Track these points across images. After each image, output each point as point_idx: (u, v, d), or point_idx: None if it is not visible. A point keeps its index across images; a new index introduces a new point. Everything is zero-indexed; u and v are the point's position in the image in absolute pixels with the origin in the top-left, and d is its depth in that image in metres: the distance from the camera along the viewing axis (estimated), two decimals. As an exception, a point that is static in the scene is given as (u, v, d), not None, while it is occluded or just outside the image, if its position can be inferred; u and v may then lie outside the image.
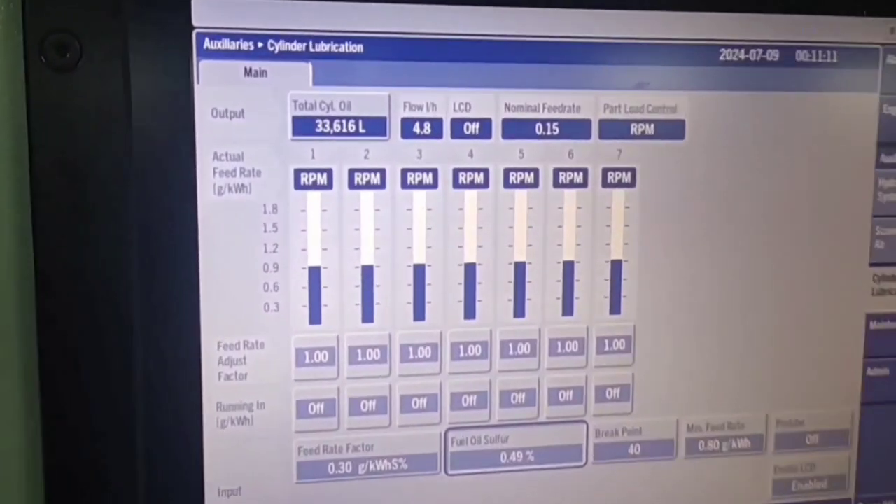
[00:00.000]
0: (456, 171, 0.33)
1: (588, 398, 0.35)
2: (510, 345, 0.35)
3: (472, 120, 0.33)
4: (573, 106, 0.34)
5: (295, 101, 0.32)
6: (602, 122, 0.34)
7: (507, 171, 0.34)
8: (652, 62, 0.34)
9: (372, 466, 0.34)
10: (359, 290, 0.33)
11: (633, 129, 0.34)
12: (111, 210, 0.31)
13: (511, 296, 0.34)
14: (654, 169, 0.35)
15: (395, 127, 0.32)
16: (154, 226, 0.31)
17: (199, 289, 0.32)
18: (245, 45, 0.31)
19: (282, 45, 0.31)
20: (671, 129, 0.35)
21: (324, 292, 0.33)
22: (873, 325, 0.37)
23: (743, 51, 0.35)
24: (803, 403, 0.37)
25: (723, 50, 0.35)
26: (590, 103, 0.34)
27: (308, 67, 0.32)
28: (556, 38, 0.33)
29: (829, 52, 0.35)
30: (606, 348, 0.35)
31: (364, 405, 0.34)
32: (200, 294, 0.32)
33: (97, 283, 0.31)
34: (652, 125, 0.34)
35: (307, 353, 0.33)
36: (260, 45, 0.31)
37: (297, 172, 0.32)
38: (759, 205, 0.36)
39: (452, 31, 0.32)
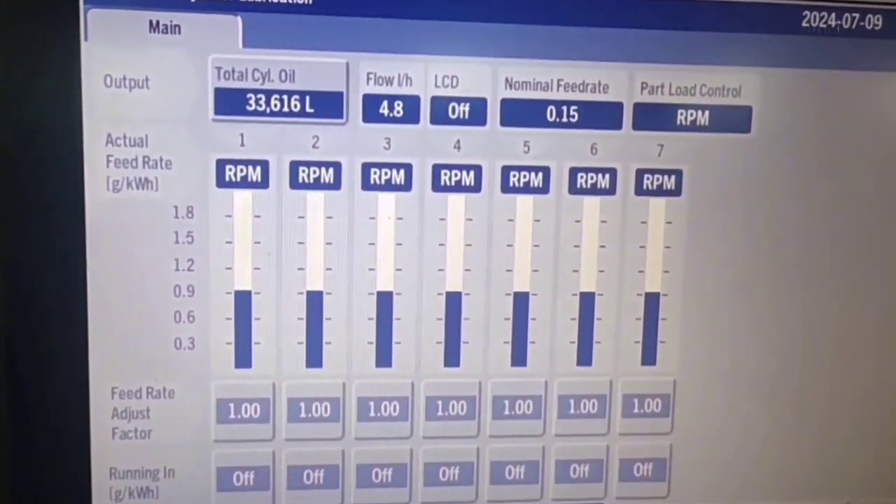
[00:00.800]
0: (437, 169, 0.31)
1: (610, 475, 0.33)
2: (506, 402, 0.32)
3: (459, 100, 0.30)
4: (599, 84, 0.31)
5: (218, 69, 0.29)
6: (638, 107, 0.31)
7: (506, 171, 0.31)
8: (709, 26, 0.31)
9: (318, 558, 0.32)
10: (303, 324, 0.31)
11: (681, 117, 0.31)
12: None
13: (508, 337, 0.32)
14: (708, 172, 0.32)
15: (354, 106, 0.30)
16: (25, 232, 0.29)
17: (86, 318, 0.29)
18: (151, -10, 0.28)
19: (202, -9, 0.29)
20: (732, 119, 0.32)
21: (255, 326, 0.30)
22: None
23: (833, 15, 0.31)
24: (893, 489, 0.34)
25: (806, 13, 0.31)
26: (622, 81, 0.31)
27: (237, 22, 0.29)
28: (576, -10, 0.31)
29: (950, 22, 0.32)
30: (636, 410, 0.32)
31: (308, 476, 0.31)
32: (88, 325, 0.29)
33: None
34: (706, 113, 0.31)
35: (232, 406, 0.31)
36: (172, -10, 0.29)
37: (221, 164, 0.30)
38: (846, 221, 0.32)
39: (435, -22, 0.30)
